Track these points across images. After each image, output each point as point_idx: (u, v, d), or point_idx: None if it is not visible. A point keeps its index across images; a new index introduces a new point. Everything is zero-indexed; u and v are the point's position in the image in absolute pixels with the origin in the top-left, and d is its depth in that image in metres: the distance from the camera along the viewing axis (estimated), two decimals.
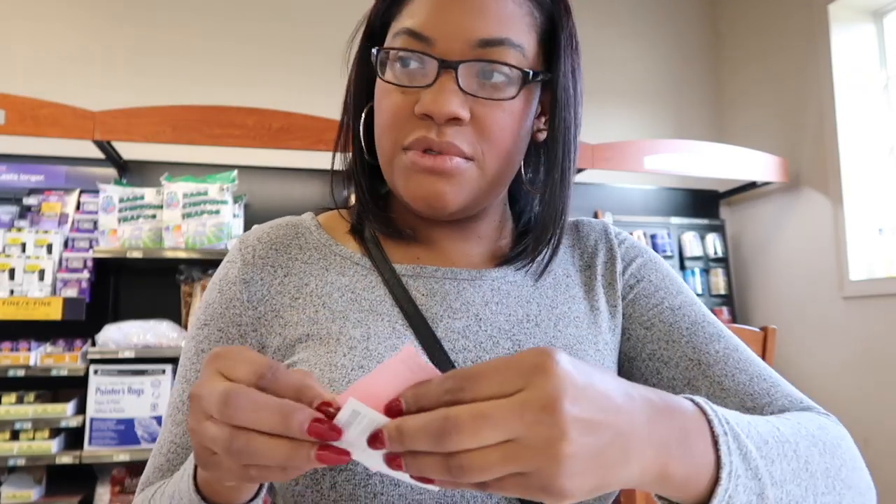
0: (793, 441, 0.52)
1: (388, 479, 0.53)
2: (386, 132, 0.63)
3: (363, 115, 0.69)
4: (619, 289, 0.72)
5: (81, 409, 2.37)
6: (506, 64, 0.59)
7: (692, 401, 0.46)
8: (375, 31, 0.68)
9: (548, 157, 0.67)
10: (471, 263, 0.69)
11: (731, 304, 3.50)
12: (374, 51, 0.63)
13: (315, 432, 0.37)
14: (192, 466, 0.51)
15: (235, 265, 0.67)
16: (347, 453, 0.38)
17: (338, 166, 0.73)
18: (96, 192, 2.60)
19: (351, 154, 0.71)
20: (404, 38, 0.61)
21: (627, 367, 0.71)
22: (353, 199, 0.75)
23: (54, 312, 2.33)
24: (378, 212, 0.69)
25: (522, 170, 0.68)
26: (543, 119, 0.68)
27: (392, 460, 0.38)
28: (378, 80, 0.64)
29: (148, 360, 2.42)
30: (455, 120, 0.59)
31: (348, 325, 0.62)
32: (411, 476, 0.38)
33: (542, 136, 0.68)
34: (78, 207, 2.66)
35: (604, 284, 0.72)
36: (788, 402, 0.65)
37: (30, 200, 2.66)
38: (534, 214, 0.74)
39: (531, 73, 0.61)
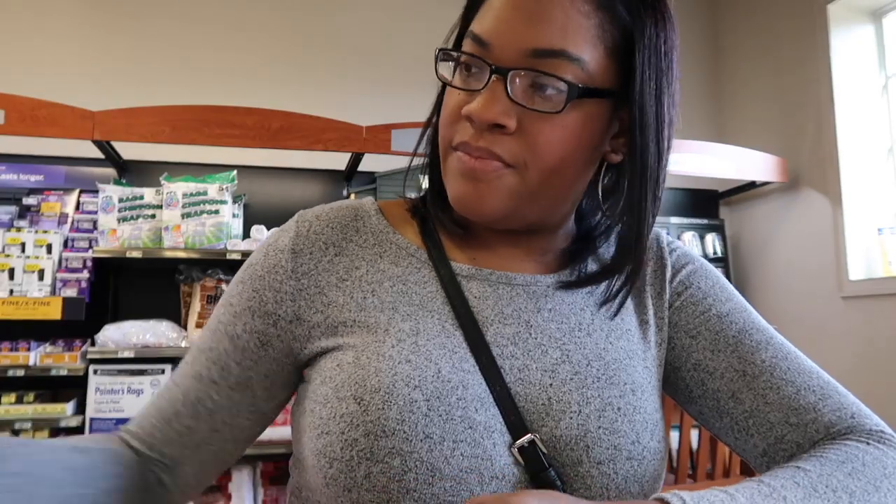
0: None
1: (423, 477, 0.53)
2: (441, 130, 0.63)
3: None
4: (667, 298, 0.70)
5: (81, 409, 2.37)
6: (555, 76, 0.57)
7: (661, 499, 0.49)
8: (461, 32, 0.67)
9: (626, 184, 0.62)
10: (525, 270, 0.67)
11: None
12: (435, 50, 0.63)
13: None
14: None
15: (288, 234, 0.66)
16: None
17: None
18: (96, 191, 2.60)
19: (431, 145, 0.70)
20: (468, 41, 0.61)
21: (673, 379, 0.69)
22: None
23: (54, 312, 2.32)
24: (446, 204, 0.67)
25: (601, 192, 0.66)
26: (623, 140, 0.64)
27: None
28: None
29: (147, 360, 2.42)
30: (497, 127, 0.58)
31: (397, 317, 0.61)
32: None
33: (617, 158, 0.64)
34: (77, 207, 2.66)
35: (652, 295, 0.70)
36: (836, 417, 0.62)
37: (29, 200, 2.67)
38: (595, 217, 0.72)
39: (585, 88, 0.58)
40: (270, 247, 0.67)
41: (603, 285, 0.68)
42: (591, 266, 0.70)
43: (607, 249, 0.72)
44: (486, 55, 0.59)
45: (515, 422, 0.57)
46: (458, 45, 0.66)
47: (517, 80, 0.58)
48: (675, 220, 3.51)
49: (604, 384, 0.61)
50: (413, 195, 0.73)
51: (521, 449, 0.56)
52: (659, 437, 0.62)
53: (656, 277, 0.71)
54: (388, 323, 0.60)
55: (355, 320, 0.61)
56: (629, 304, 0.69)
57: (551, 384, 0.60)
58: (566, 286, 0.67)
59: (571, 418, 0.58)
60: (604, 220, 0.71)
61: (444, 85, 0.67)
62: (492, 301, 0.64)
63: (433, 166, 0.69)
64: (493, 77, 0.58)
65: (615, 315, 0.67)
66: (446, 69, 0.63)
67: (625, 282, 0.66)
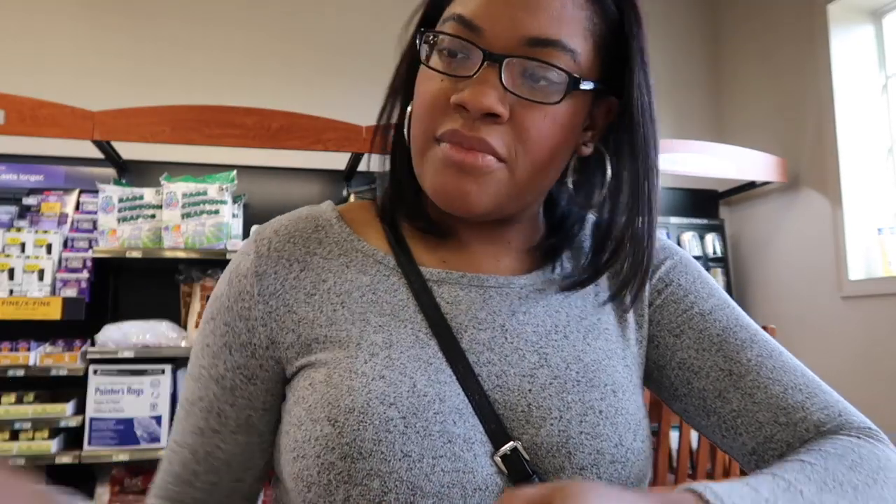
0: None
1: (403, 497, 0.52)
2: (420, 120, 0.59)
3: (409, 104, 0.65)
4: (647, 295, 0.68)
5: (81, 409, 2.37)
6: (556, 66, 0.56)
7: (693, 491, 0.47)
8: (431, 17, 0.63)
9: (629, 180, 0.62)
10: (498, 270, 0.65)
11: None
12: (420, 32, 0.60)
13: None
14: None
15: (249, 257, 0.63)
16: None
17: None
18: (95, 191, 2.60)
19: (391, 142, 0.67)
20: (453, 24, 0.57)
21: (656, 377, 0.68)
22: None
23: (54, 312, 2.32)
24: (414, 202, 0.65)
25: (570, 184, 0.65)
26: (590, 133, 0.64)
27: None
28: (421, 65, 0.60)
29: (147, 360, 2.42)
30: (491, 116, 0.56)
31: (369, 329, 0.59)
32: None
33: (587, 150, 0.64)
34: (77, 207, 2.66)
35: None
36: (825, 415, 0.61)
37: (29, 200, 2.66)
38: (566, 210, 0.70)
39: (580, 80, 0.57)
40: (233, 273, 0.64)
41: (596, 286, 0.67)
42: (566, 264, 0.69)
43: (581, 242, 0.71)
44: (477, 40, 0.56)
45: (496, 430, 0.56)
46: (424, 27, 0.63)
47: (511, 69, 0.56)
48: (674, 220, 3.51)
49: (584, 387, 0.60)
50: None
51: (504, 457, 0.55)
52: (642, 437, 0.61)
53: None
54: (359, 336, 0.58)
55: (326, 335, 0.59)
56: (604, 298, 0.68)
57: (530, 390, 0.59)
58: (543, 289, 0.65)
59: (552, 425, 0.57)
60: (577, 211, 0.70)
61: (402, 72, 0.64)
62: (465, 306, 0.62)
63: (399, 164, 0.66)
64: (486, 64, 0.56)
65: (630, 309, 0.66)
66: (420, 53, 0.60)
67: (639, 279, 0.65)
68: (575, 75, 0.57)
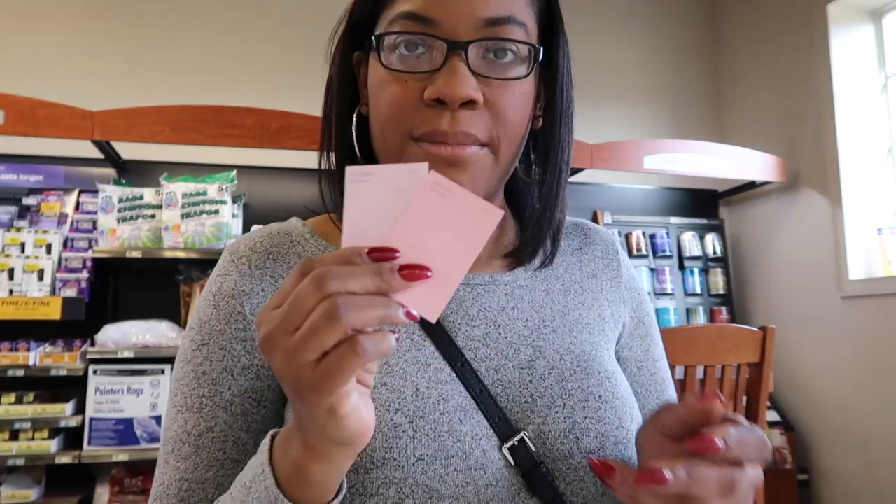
0: None
1: (420, 500, 0.51)
2: (391, 124, 0.58)
3: (354, 113, 0.64)
4: (625, 319, 0.72)
5: (80, 409, 2.37)
6: (515, 41, 0.57)
7: None
8: (361, 24, 0.62)
9: (550, 144, 0.64)
10: (479, 265, 0.66)
11: (730, 303, 3.50)
12: (373, 37, 0.58)
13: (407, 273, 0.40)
14: (268, 468, 0.46)
15: (230, 277, 0.62)
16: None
17: (326, 167, 0.69)
18: (95, 192, 2.60)
19: (335, 155, 0.65)
20: (404, 22, 0.56)
21: None
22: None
23: (53, 312, 2.32)
24: None
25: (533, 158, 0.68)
26: (539, 105, 0.65)
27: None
28: (375, 69, 0.59)
29: (147, 360, 2.43)
30: (469, 104, 0.55)
31: None
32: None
33: (539, 123, 0.65)
34: (77, 207, 2.66)
35: (609, 299, 0.71)
36: None
37: (29, 200, 2.67)
38: (535, 207, 0.71)
39: (540, 49, 0.58)
40: (216, 296, 0.62)
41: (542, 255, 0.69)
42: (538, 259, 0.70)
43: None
44: (435, 32, 0.56)
45: (501, 423, 0.57)
46: (356, 37, 0.62)
47: (475, 53, 0.56)
48: (674, 220, 3.51)
49: (580, 375, 0.61)
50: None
51: (512, 448, 0.56)
52: (638, 420, 0.63)
53: (612, 286, 0.72)
54: None
55: None
56: (587, 298, 0.69)
57: (531, 381, 0.60)
58: (511, 266, 0.67)
59: (558, 412, 0.58)
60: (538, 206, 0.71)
61: (338, 84, 0.62)
62: (455, 304, 0.62)
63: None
64: (451, 53, 0.55)
65: (548, 266, 0.68)
66: (370, 58, 0.58)
67: (555, 242, 0.67)
68: (535, 45, 0.58)
